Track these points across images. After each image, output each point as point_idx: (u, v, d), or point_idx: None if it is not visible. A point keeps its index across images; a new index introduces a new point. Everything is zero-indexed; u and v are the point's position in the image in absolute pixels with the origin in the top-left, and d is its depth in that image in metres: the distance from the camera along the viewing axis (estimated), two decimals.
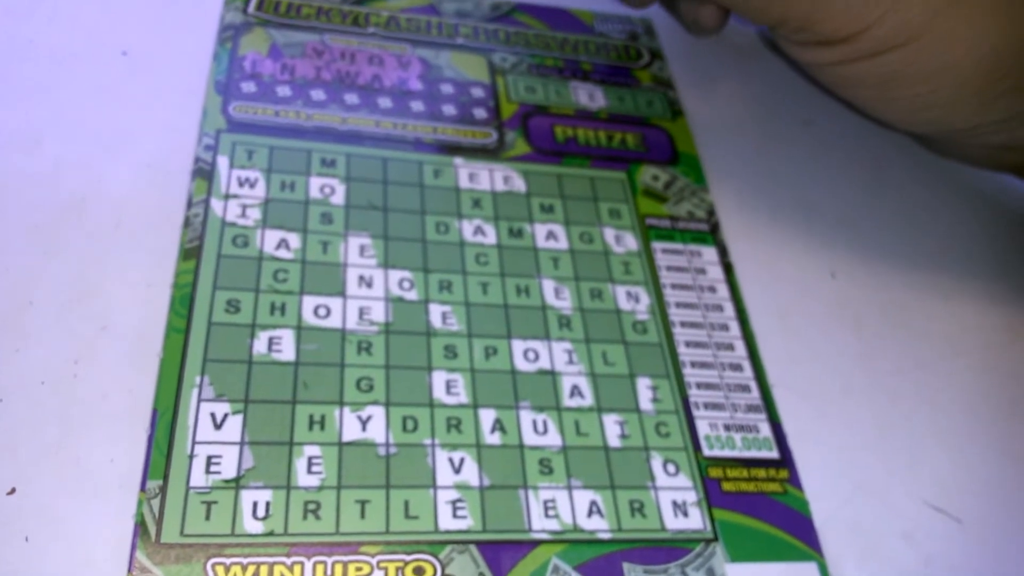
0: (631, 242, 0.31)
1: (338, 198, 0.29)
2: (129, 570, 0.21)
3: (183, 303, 0.25)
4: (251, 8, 0.34)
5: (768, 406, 0.27)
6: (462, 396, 0.25)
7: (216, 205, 0.27)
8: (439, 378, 0.25)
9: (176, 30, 0.32)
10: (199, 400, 0.23)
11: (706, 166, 0.34)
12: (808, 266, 0.32)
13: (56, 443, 0.22)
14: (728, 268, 0.31)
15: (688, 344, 0.28)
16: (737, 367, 0.28)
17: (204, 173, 0.28)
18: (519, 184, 0.31)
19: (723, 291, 0.30)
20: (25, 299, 0.25)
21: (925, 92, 0.29)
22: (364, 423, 0.24)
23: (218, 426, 0.23)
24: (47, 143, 0.28)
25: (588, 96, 0.35)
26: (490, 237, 0.29)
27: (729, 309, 0.30)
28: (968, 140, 0.33)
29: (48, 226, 0.26)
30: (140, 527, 0.21)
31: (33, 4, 0.32)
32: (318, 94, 0.31)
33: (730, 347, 0.29)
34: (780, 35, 0.31)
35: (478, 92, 0.34)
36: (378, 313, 0.26)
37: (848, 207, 0.34)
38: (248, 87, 0.31)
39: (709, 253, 0.31)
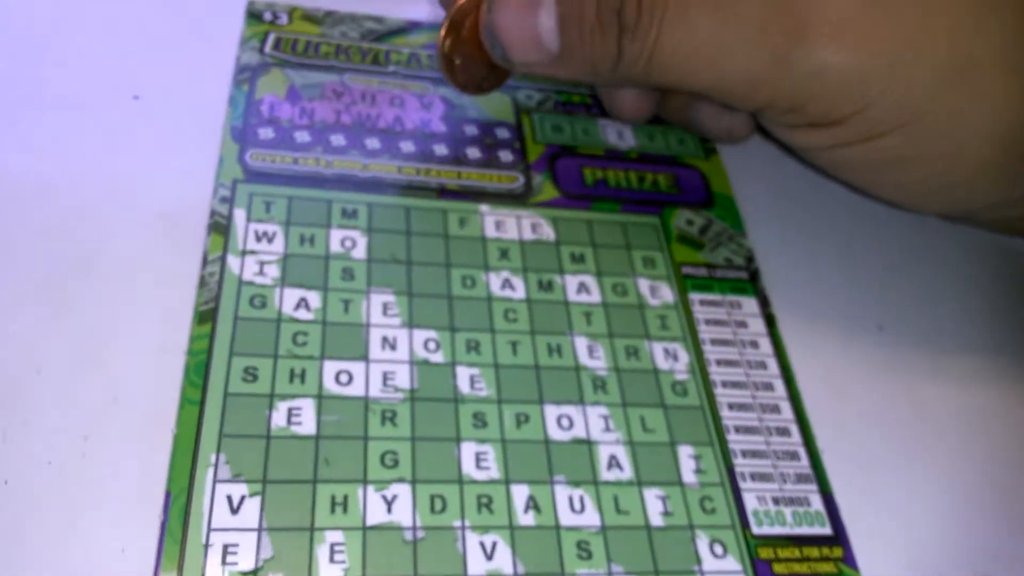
0: (667, 293, 0.28)
1: (360, 252, 0.27)
2: None
3: (198, 371, 0.23)
4: (268, 48, 0.32)
5: (818, 475, 0.25)
6: (493, 470, 0.23)
7: (233, 262, 0.25)
8: (468, 450, 0.23)
9: (190, 72, 0.30)
10: (215, 481, 0.22)
11: (743, 208, 0.32)
12: (854, 317, 0.30)
13: (63, 530, 0.21)
14: (770, 320, 0.29)
15: (731, 407, 0.26)
16: (784, 431, 0.26)
17: (220, 228, 0.26)
18: (548, 232, 0.29)
19: (766, 346, 0.28)
20: (32, 366, 0.23)
21: (933, 176, 0.26)
22: (389, 504, 0.22)
23: (235, 510, 0.21)
24: (54, 194, 0.26)
25: (617, 135, 0.33)
26: (519, 291, 0.27)
27: (773, 366, 0.28)
28: (983, 216, 0.30)
29: (56, 284, 0.25)
30: None
31: (41, 47, 0.30)
32: (338, 139, 0.30)
33: (776, 409, 0.26)
34: (767, 118, 0.27)
35: (503, 133, 0.32)
36: (403, 378, 0.24)
37: (895, 251, 0.32)
38: (266, 133, 0.29)
39: (749, 304, 0.29)
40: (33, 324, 0.23)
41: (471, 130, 0.31)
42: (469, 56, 0.28)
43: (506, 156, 0.31)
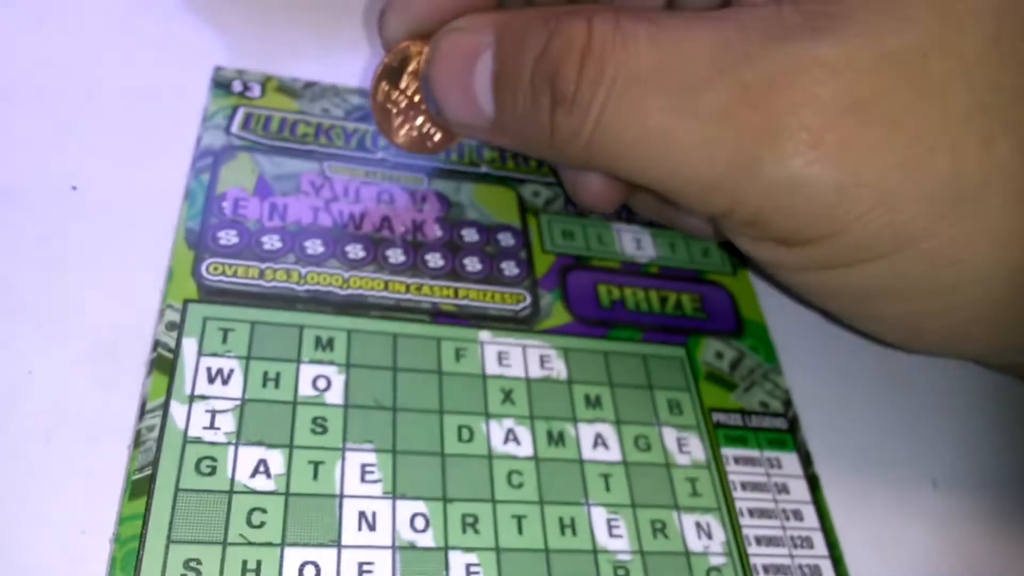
0: (697, 448, 0.24)
1: (335, 395, 0.22)
2: None
3: (126, 566, 0.18)
4: (235, 127, 0.27)
5: None
6: None
7: (177, 412, 0.20)
8: None
9: (140, 156, 0.25)
10: None
11: (775, 337, 0.27)
12: (904, 472, 0.26)
13: None
14: (813, 482, 0.24)
15: None
16: None
17: (164, 364, 0.21)
18: (559, 368, 0.24)
19: (810, 517, 0.24)
20: None
21: (922, 312, 0.22)
22: None
23: None
24: None
25: (635, 243, 0.29)
26: (525, 446, 0.23)
27: (819, 543, 0.23)
28: (985, 360, 0.26)
29: None
30: None
31: None
32: (314, 245, 0.25)
33: None
34: (725, 227, 0.23)
35: (507, 239, 0.27)
36: (383, 571, 0.20)
37: (949, 389, 0.28)
38: (228, 237, 0.24)
39: (790, 462, 0.25)
40: None
41: (470, 235, 0.27)
42: (410, 108, 0.24)
43: (510, 268, 0.26)
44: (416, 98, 0.25)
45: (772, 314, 0.28)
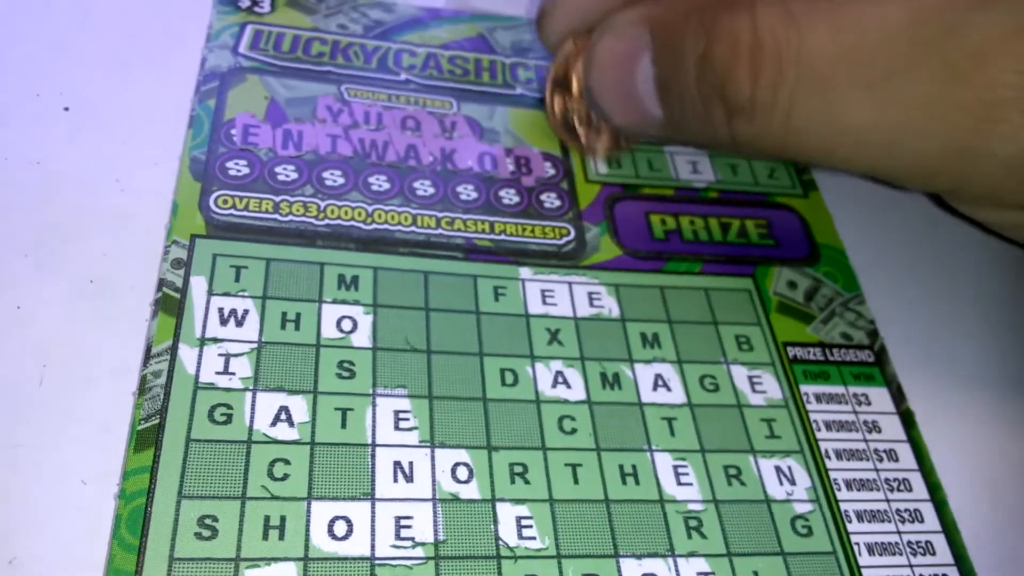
0: (772, 386, 0.22)
1: (362, 337, 0.21)
2: None
3: (133, 525, 0.17)
4: (243, 46, 0.26)
5: None
6: None
7: (187, 356, 0.19)
8: None
9: (140, 77, 0.24)
10: None
11: (855, 263, 0.26)
12: (1011, 403, 0.24)
13: None
14: (908, 419, 0.23)
15: (871, 549, 0.20)
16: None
17: (171, 305, 0.20)
18: (610, 305, 0.23)
19: (906, 457, 0.22)
20: None
21: None
22: None
23: None
24: None
25: (690, 166, 0.27)
26: (576, 390, 0.21)
27: (919, 486, 0.22)
28: None
29: None
30: None
31: None
32: (334, 176, 0.24)
33: (927, 549, 0.21)
34: (950, 200, 0.23)
35: (546, 168, 0.26)
36: (423, 526, 0.18)
37: None
38: (238, 167, 0.23)
39: (879, 397, 0.23)
40: None
41: (506, 164, 0.25)
42: (587, 113, 0.24)
43: (551, 200, 0.25)
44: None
45: (851, 238, 0.26)
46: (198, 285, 0.21)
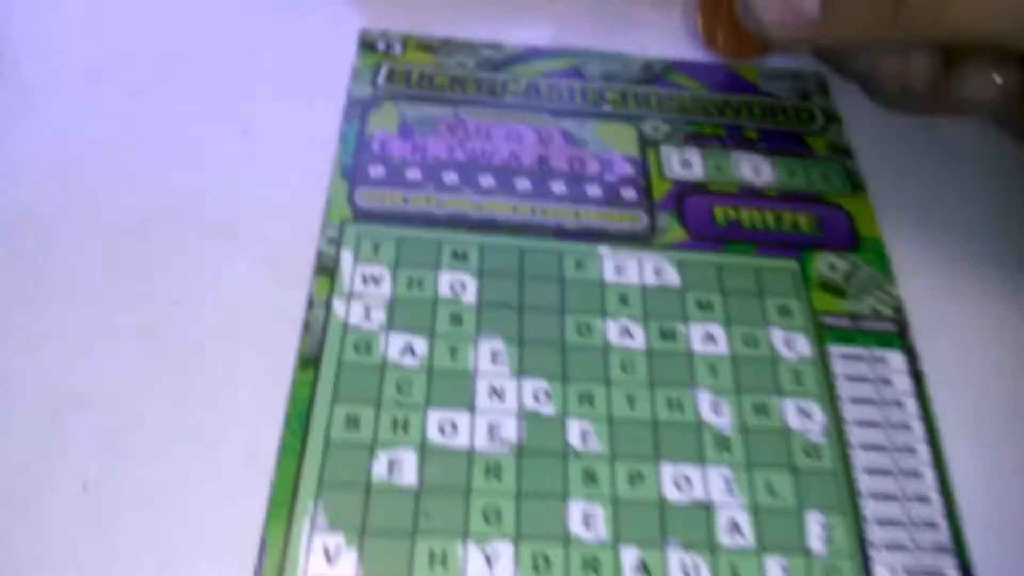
0: (803, 346, 0.28)
1: (470, 296, 0.28)
2: None
3: (298, 419, 0.25)
4: (381, 80, 0.34)
5: (958, 548, 0.25)
6: (601, 531, 0.24)
7: (338, 306, 0.27)
8: (576, 509, 0.24)
9: (300, 106, 0.33)
10: (312, 530, 0.23)
11: (892, 252, 0.31)
12: (1017, 376, 0.29)
13: (157, 572, 0.22)
14: (918, 378, 0.28)
15: (869, 471, 0.26)
16: (924, 499, 0.26)
17: (327, 270, 0.28)
18: (672, 277, 0.30)
19: (911, 407, 0.28)
20: (129, 408, 0.25)
21: None
22: (490, 561, 0.23)
23: (331, 561, 0.23)
24: (159, 230, 0.29)
25: (753, 169, 0.33)
26: (638, 340, 0.28)
27: (918, 428, 0.27)
28: None
29: (157, 325, 0.27)
30: None
31: (150, 80, 0.33)
32: (451, 177, 0.31)
33: (916, 474, 0.26)
34: None
35: (626, 169, 0.32)
36: (509, 431, 0.25)
37: None
38: (376, 171, 0.31)
39: (896, 359, 0.29)
40: (131, 368, 0.26)
41: (592, 166, 0.32)
42: (730, 25, 0.28)
43: (629, 194, 0.32)
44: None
45: (891, 230, 0.32)
46: (346, 256, 0.29)
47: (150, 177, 0.30)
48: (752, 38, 0.29)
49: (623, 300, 0.29)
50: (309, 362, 0.26)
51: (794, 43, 0.27)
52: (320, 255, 0.28)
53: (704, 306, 0.29)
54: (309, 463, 0.24)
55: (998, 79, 0.29)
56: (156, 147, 0.31)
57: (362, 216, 0.30)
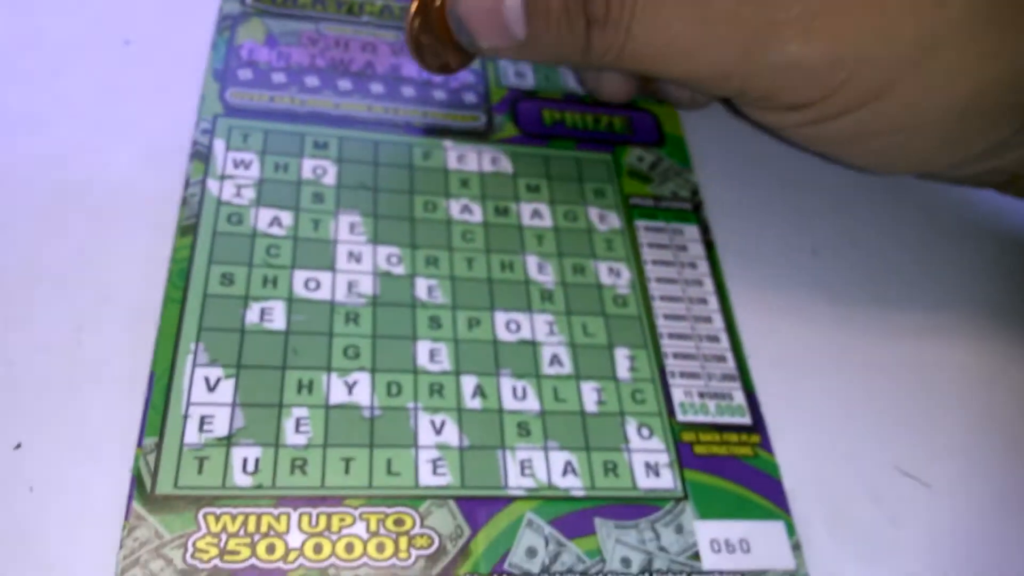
0: (614, 221, 0.33)
1: (330, 179, 0.31)
2: (125, 519, 0.23)
3: (180, 276, 0.28)
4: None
5: (743, 375, 0.30)
6: (445, 364, 0.28)
7: (212, 185, 0.30)
8: (423, 347, 0.28)
9: (177, 20, 0.35)
10: (194, 365, 0.26)
11: (692, 148, 0.36)
12: (790, 244, 0.34)
13: (60, 403, 0.25)
14: (710, 245, 0.33)
15: (667, 317, 0.30)
16: (714, 339, 0.30)
17: (201, 155, 0.31)
18: (506, 165, 0.33)
19: (703, 267, 0.32)
20: (31, 274, 0.27)
21: (897, 144, 0.28)
22: (350, 387, 0.26)
23: (211, 389, 0.26)
24: (51, 127, 0.31)
25: (577, 81, 0.37)
26: (476, 215, 0.32)
27: (709, 284, 0.32)
28: (948, 174, 0.32)
29: (52, 206, 0.29)
30: (136, 480, 0.24)
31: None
32: (312, 80, 0.34)
33: (708, 319, 0.31)
34: (738, 102, 0.30)
35: (468, 78, 0.36)
36: (366, 286, 0.29)
37: (832, 187, 0.36)
38: (245, 74, 0.33)
39: (691, 231, 0.33)
40: (30, 240, 0.28)
41: (438, 75, 0.36)
42: (437, 38, 0.31)
43: (470, 98, 0.35)
44: (443, 30, 0.30)
45: (693, 131, 0.37)
46: (219, 145, 0.31)
47: (38, 79, 0.32)
48: (457, 55, 0.32)
49: (464, 183, 0.32)
50: (187, 230, 0.29)
51: (502, 56, 0.30)
52: (195, 143, 0.31)
53: (532, 189, 0.33)
54: (190, 311, 0.27)
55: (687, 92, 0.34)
56: (44, 53, 0.33)
57: (232, 112, 0.32)
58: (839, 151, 0.30)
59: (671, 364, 0.29)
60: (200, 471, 0.24)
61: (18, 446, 0.24)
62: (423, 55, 0.32)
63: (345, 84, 0.34)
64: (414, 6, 0.30)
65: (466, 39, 0.30)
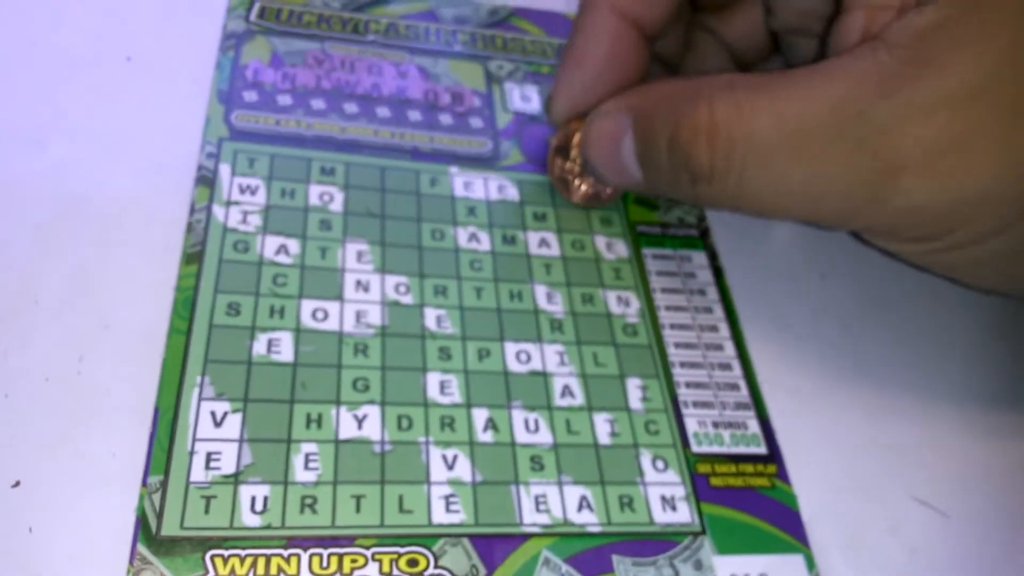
0: (622, 249, 0.32)
1: (337, 205, 0.30)
2: (130, 562, 0.22)
3: (185, 306, 0.26)
4: (253, 16, 0.35)
5: (757, 403, 0.28)
6: (456, 396, 0.26)
7: (218, 211, 0.29)
8: (433, 379, 0.27)
9: (179, 37, 0.33)
10: (200, 399, 0.25)
11: None
12: (798, 268, 0.33)
13: (60, 438, 0.24)
14: (718, 272, 0.32)
15: (678, 345, 0.29)
16: (726, 366, 0.29)
17: (206, 180, 0.29)
18: (512, 193, 0.32)
19: (713, 294, 0.31)
20: (30, 297, 0.26)
21: (1018, 272, 0.27)
22: (360, 421, 0.25)
23: (218, 424, 0.24)
24: (52, 144, 0.29)
25: None
26: (484, 244, 0.30)
27: (719, 311, 0.31)
28: None
29: (52, 225, 0.28)
30: (141, 520, 0.22)
31: (38, 7, 0.33)
32: (318, 103, 0.33)
33: (719, 347, 0.30)
34: (862, 234, 0.28)
35: (475, 101, 0.35)
36: (374, 316, 0.27)
37: None
38: (250, 96, 0.32)
39: (699, 257, 0.32)
40: (30, 261, 0.27)
41: (444, 98, 0.34)
42: (580, 174, 0.31)
43: (476, 123, 0.34)
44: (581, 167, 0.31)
45: None
46: (224, 169, 0.30)
47: (39, 95, 0.30)
48: (602, 191, 0.32)
49: (471, 211, 0.31)
50: (193, 258, 0.27)
51: (635, 191, 0.31)
52: (200, 168, 0.30)
53: (539, 217, 0.32)
54: (195, 342, 0.26)
55: None
56: (45, 68, 0.31)
57: (238, 135, 0.31)
58: (961, 276, 0.29)
59: (684, 394, 0.28)
60: (207, 511, 0.23)
61: (16, 484, 0.23)
62: (572, 192, 0.32)
63: (351, 107, 0.33)
64: (552, 150, 0.31)
65: (600, 178, 0.30)
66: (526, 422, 0.26)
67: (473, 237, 0.31)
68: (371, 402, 0.26)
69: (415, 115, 0.34)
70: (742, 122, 0.24)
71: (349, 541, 0.23)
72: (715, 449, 0.27)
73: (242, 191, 0.29)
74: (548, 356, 0.28)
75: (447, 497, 0.24)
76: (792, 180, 0.24)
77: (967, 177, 0.24)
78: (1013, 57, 0.23)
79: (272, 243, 0.28)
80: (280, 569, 0.22)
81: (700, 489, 0.26)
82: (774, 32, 0.32)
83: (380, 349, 0.27)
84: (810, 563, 0.25)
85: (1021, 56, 0.23)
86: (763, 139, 0.24)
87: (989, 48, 0.23)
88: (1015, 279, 0.28)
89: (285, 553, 0.23)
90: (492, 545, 0.24)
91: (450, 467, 0.25)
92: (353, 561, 0.23)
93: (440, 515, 0.24)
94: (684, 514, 0.26)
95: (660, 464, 0.26)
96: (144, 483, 0.23)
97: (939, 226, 0.25)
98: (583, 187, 0.32)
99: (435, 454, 0.25)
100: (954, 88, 0.23)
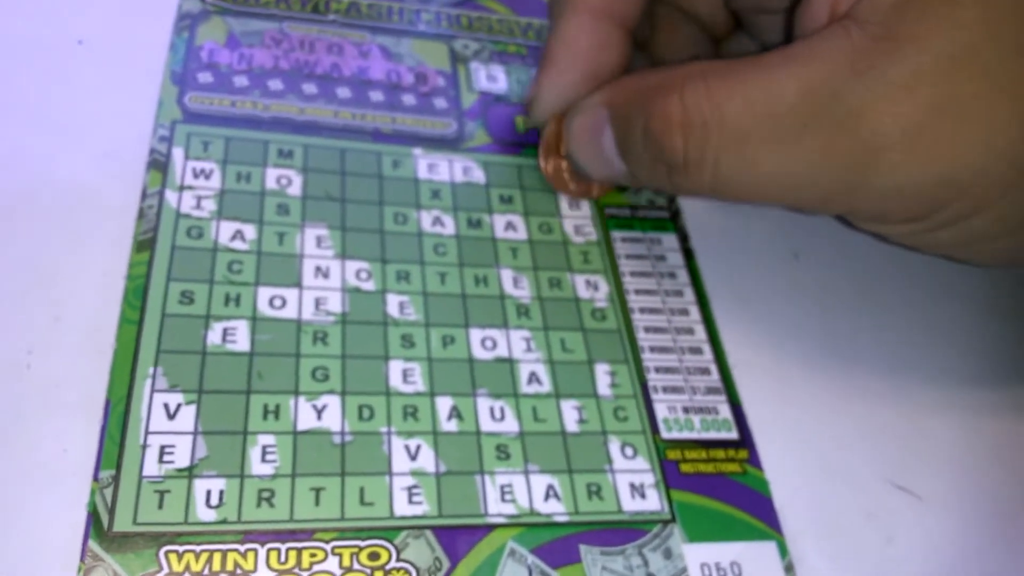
0: (590, 231, 0.31)
1: (295, 189, 0.29)
2: (81, 559, 0.21)
3: (136, 295, 0.26)
4: None
5: (728, 388, 0.28)
6: (419, 384, 0.26)
7: (171, 196, 0.28)
8: (396, 367, 0.26)
9: (133, 19, 0.33)
10: (152, 391, 0.24)
11: None
12: (771, 249, 0.33)
13: (8, 433, 0.23)
14: (688, 254, 0.31)
15: (647, 329, 0.29)
16: (697, 350, 0.29)
17: (159, 164, 0.28)
18: (478, 175, 0.32)
19: (683, 276, 0.31)
20: None
21: (1004, 247, 0.27)
22: (319, 412, 0.25)
23: (171, 416, 0.24)
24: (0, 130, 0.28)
25: None
26: (449, 228, 0.30)
27: (689, 294, 0.30)
28: None
29: (1, 212, 0.27)
30: (93, 516, 0.22)
31: None
32: (276, 84, 0.32)
33: (690, 331, 0.29)
34: (845, 217, 0.28)
35: (439, 81, 0.34)
36: (335, 304, 0.27)
37: None
38: (205, 77, 0.31)
39: (669, 240, 0.32)
40: None
41: (407, 78, 0.34)
42: (573, 171, 0.31)
43: (440, 103, 0.33)
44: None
45: None
46: (178, 153, 0.29)
47: None
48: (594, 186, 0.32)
49: (435, 194, 0.31)
50: (144, 244, 0.27)
51: (622, 184, 0.31)
52: (152, 152, 0.29)
53: (506, 200, 0.31)
54: (148, 332, 0.25)
55: None
56: None
57: (191, 118, 0.30)
58: (953, 254, 0.28)
59: (653, 379, 0.28)
60: (161, 506, 0.22)
61: None
62: (568, 186, 0.32)
63: (310, 88, 0.32)
64: (542, 151, 0.31)
65: (584, 173, 0.30)
66: (491, 410, 0.26)
67: (437, 221, 0.30)
68: (331, 392, 0.25)
69: (377, 96, 0.33)
70: (713, 110, 0.24)
71: (308, 535, 0.23)
72: (685, 435, 0.27)
73: (196, 175, 0.29)
74: (514, 342, 0.28)
75: (410, 488, 0.24)
76: (769, 166, 0.24)
77: (950, 152, 0.23)
78: (987, 27, 0.22)
79: (227, 229, 0.28)
80: (237, 564, 0.22)
81: (670, 476, 0.26)
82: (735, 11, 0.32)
83: (340, 337, 0.26)
84: (783, 550, 0.25)
85: (995, 25, 0.22)
86: (735, 126, 0.24)
87: (962, 19, 0.23)
88: (1009, 252, 0.27)
89: (242, 548, 0.22)
90: (456, 537, 0.23)
91: (413, 457, 0.24)
92: (312, 555, 0.22)
93: (402, 507, 0.24)
94: (653, 502, 0.25)
95: (629, 451, 0.26)
96: (95, 478, 0.22)
97: (925, 205, 0.25)
98: (575, 184, 0.31)
99: (397, 444, 0.25)
100: (929, 62, 0.23)
